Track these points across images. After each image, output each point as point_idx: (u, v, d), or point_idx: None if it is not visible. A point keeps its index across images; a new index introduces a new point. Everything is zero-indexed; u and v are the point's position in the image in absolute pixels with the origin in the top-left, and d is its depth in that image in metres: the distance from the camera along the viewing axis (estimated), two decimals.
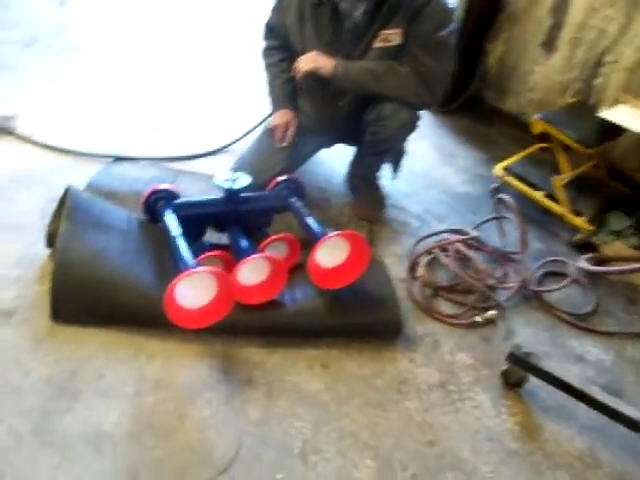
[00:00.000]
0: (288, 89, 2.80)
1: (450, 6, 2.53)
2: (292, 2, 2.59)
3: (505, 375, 2.21)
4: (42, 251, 2.34)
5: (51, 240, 2.28)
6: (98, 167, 2.92)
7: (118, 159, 3.00)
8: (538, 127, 3.07)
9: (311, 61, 2.55)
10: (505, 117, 3.87)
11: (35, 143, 3.05)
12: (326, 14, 2.49)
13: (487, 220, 2.92)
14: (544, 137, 3.15)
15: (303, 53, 2.59)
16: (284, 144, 2.76)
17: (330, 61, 2.51)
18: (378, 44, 2.49)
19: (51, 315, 2.12)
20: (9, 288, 2.25)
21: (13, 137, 3.07)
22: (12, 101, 3.37)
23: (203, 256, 2.18)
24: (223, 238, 2.45)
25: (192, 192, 2.65)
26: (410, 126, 2.68)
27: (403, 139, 2.78)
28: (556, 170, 3.05)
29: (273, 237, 2.32)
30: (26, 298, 2.21)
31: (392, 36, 2.46)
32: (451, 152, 3.55)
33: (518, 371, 2.17)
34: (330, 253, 2.25)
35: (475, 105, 3.33)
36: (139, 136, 3.28)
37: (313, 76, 2.57)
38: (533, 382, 2.17)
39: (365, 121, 2.65)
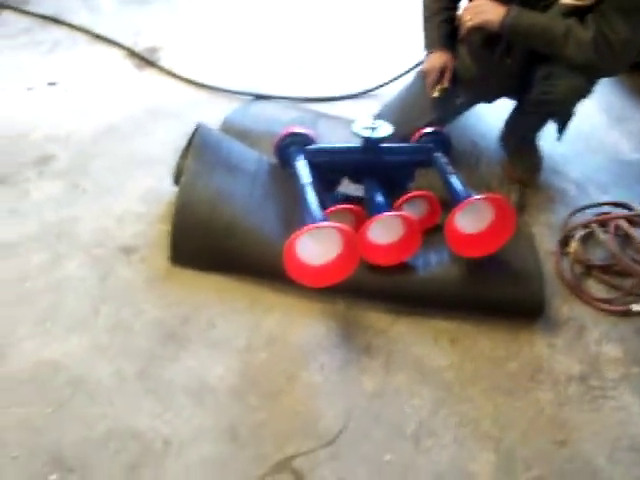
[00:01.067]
0: (448, 29, 2.52)
1: None
2: None
3: None
4: (169, 188, 2.31)
5: (178, 177, 2.22)
6: (237, 104, 2.85)
7: (258, 97, 2.91)
8: None
9: (477, 12, 2.26)
10: None
11: (176, 76, 3.03)
12: None
13: None
14: None
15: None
16: (436, 94, 2.50)
17: (499, 11, 2.21)
18: (566, 0, 2.16)
19: (170, 256, 2.07)
20: (132, 223, 2.25)
21: (155, 69, 3.06)
22: (156, 32, 3.38)
23: (333, 208, 2.04)
24: (359, 190, 2.28)
25: (332, 138, 2.52)
26: (584, 92, 2.37)
27: (573, 104, 2.44)
28: None
29: (411, 194, 2.15)
30: (147, 236, 2.19)
31: None
32: (622, 114, 3.19)
33: None
34: (472, 218, 2.05)
35: None
36: (283, 74, 3.17)
37: (478, 31, 2.31)
38: None
39: (534, 77, 2.36)
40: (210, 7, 3.68)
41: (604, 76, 2.40)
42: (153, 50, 3.19)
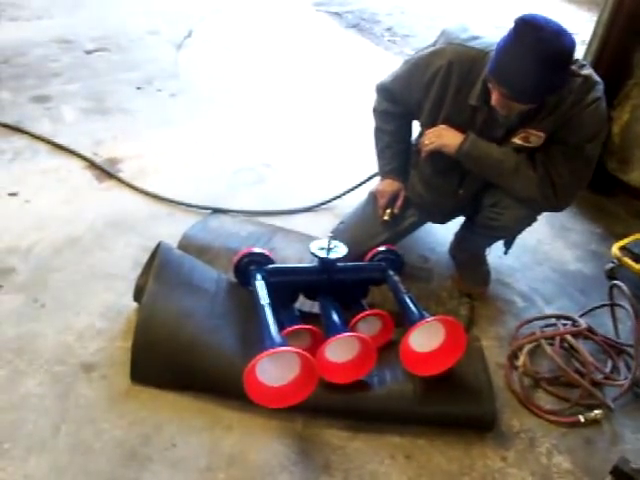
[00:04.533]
0: (400, 160, 2.67)
1: (605, 116, 2.27)
2: (431, 88, 2.35)
3: None
4: (130, 303, 2.36)
5: (139, 295, 2.27)
6: (196, 217, 2.91)
7: (216, 211, 2.98)
8: None
9: (437, 136, 2.38)
10: (627, 189, 3.62)
11: (136, 189, 3.08)
12: (480, 118, 2.30)
13: (598, 306, 2.69)
14: None
15: (429, 127, 2.43)
16: (386, 217, 2.64)
17: (457, 137, 2.32)
18: (517, 140, 2.27)
19: (130, 375, 2.10)
20: (93, 339, 2.27)
21: (115, 181, 3.11)
22: (119, 144, 3.45)
23: (290, 329, 2.10)
24: (315, 306, 2.37)
25: (288, 253, 2.60)
26: (529, 221, 2.52)
27: (518, 232, 2.61)
28: None
29: (365, 313, 2.23)
30: (108, 353, 2.22)
31: (533, 137, 2.24)
32: (564, 224, 3.34)
33: None
34: (425, 337, 2.13)
35: (595, 174, 3.11)
36: (241, 188, 3.25)
37: (433, 161, 2.45)
38: None
39: (481, 203, 2.51)
40: (169, 119, 3.79)
41: (547, 211, 2.54)
42: (114, 161, 3.25)
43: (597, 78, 2.21)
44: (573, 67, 2.14)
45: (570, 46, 1.98)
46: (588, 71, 2.19)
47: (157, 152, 3.43)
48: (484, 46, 2.22)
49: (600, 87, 2.20)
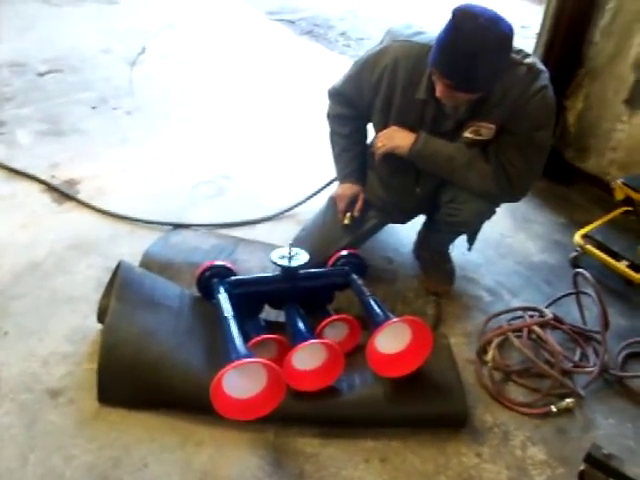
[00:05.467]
0: (357, 163, 2.67)
1: (553, 103, 2.28)
2: (379, 86, 2.37)
3: (583, 477, 1.99)
4: (95, 325, 2.33)
5: (102, 316, 2.25)
6: (157, 234, 2.89)
7: (177, 226, 2.96)
8: (620, 193, 2.88)
9: (389, 138, 2.40)
10: (586, 177, 3.66)
11: (95, 209, 3.05)
12: (429, 113, 2.31)
13: (564, 295, 2.71)
14: (629, 200, 2.95)
15: (382, 129, 2.45)
16: (346, 221, 2.64)
17: (409, 137, 2.34)
18: (468, 134, 2.29)
19: (97, 397, 2.08)
20: (58, 365, 2.24)
21: (74, 203, 3.08)
22: (76, 165, 3.41)
23: (255, 340, 2.09)
24: (281, 316, 2.35)
25: (251, 264, 2.59)
26: (487, 214, 2.54)
27: (478, 225, 2.62)
28: None
29: (331, 318, 2.22)
30: (74, 376, 2.19)
31: (484, 130, 2.26)
32: (527, 216, 3.36)
33: (598, 475, 1.95)
34: (391, 339, 2.12)
35: (553, 164, 3.15)
36: (202, 201, 3.24)
37: (388, 162, 2.46)
38: None
39: (440, 200, 2.52)
40: (125, 137, 3.76)
41: (505, 202, 2.56)
42: (72, 183, 3.22)
43: (541, 67, 2.23)
44: (516, 56, 2.16)
45: (508, 32, 1.99)
46: (531, 60, 2.21)
47: (115, 171, 3.40)
48: (427, 40, 2.23)
49: (545, 75, 2.22)
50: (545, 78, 2.21)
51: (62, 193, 3.15)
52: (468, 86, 2.07)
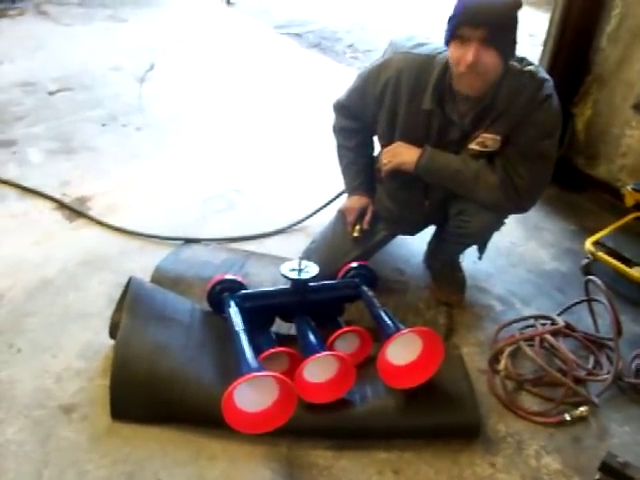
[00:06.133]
0: (365, 176, 2.67)
1: (558, 112, 2.27)
2: (383, 98, 2.37)
3: None
4: (108, 341, 2.33)
5: (114, 331, 2.25)
6: (168, 249, 2.90)
7: (187, 241, 2.97)
8: (631, 199, 2.87)
9: (394, 155, 2.40)
10: (596, 184, 3.65)
11: (106, 226, 3.07)
12: (435, 123, 2.31)
13: (576, 303, 2.70)
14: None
15: (388, 144, 2.45)
16: (355, 234, 2.64)
17: (414, 153, 2.34)
18: (474, 146, 2.29)
19: (110, 412, 2.08)
20: (72, 380, 2.24)
21: (86, 220, 3.10)
22: (87, 182, 3.44)
23: (267, 353, 2.09)
24: (292, 328, 2.35)
25: (262, 277, 2.60)
26: (496, 226, 2.54)
27: (488, 237, 2.62)
28: None
29: (342, 331, 2.22)
30: (87, 392, 2.19)
31: (490, 141, 2.26)
32: (537, 224, 3.36)
33: None
34: (402, 350, 2.12)
35: (563, 172, 3.16)
36: (212, 216, 3.25)
37: (395, 176, 2.46)
38: None
39: (449, 212, 2.52)
40: (135, 154, 3.78)
41: (513, 213, 2.55)
42: (83, 200, 3.24)
43: (544, 75, 2.23)
44: (520, 64, 2.19)
45: None
46: (535, 68, 2.21)
47: (126, 187, 3.43)
48: (430, 51, 2.25)
49: (550, 84, 2.22)
50: (550, 87, 2.21)
51: (73, 210, 3.17)
52: (502, 31, 2.04)
